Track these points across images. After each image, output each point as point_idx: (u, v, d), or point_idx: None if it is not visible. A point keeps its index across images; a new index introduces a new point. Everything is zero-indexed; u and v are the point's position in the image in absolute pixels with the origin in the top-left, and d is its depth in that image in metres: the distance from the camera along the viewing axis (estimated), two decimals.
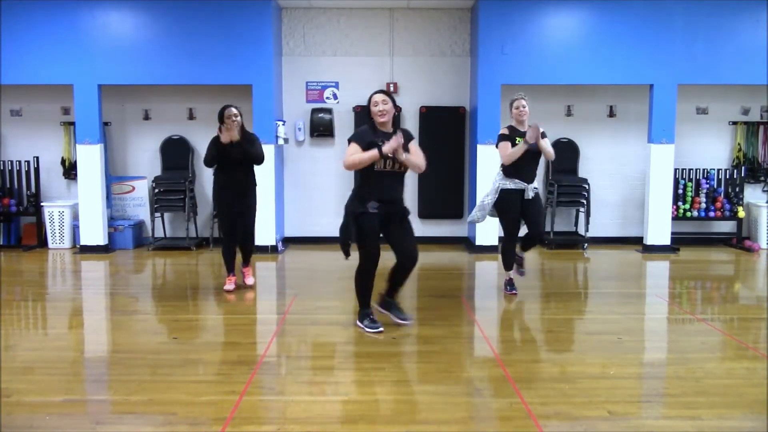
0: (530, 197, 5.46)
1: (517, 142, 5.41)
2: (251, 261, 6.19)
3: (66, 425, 3.13)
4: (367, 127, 4.53)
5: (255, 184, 5.92)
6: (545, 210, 5.59)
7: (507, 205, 5.51)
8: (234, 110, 5.62)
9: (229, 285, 5.89)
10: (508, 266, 5.74)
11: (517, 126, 5.52)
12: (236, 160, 5.68)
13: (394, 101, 4.56)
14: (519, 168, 5.44)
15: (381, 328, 4.59)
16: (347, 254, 4.50)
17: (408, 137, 4.50)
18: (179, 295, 5.89)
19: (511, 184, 5.46)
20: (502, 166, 5.53)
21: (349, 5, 8.39)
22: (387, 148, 4.27)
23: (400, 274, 4.60)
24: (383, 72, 8.55)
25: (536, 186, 5.54)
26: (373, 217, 4.42)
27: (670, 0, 7.71)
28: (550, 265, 7.22)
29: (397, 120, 4.55)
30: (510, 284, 5.78)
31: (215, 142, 5.63)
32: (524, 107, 5.47)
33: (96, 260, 7.59)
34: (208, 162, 5.76)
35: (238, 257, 6.02)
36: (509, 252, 5.68)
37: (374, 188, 4.42)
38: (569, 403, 3.36)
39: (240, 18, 7.70)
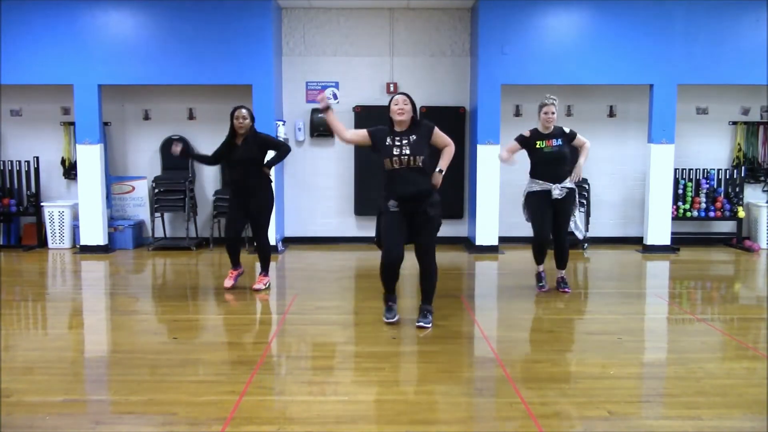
0: (557, 196, 5.52)
1: (537, 145, 5.55)
2: (268, 268, 6.02)
3: (66, 425, 3.13)
4: (385, 127, 4.66)
5: (260, 187, 5.74)
6: (575, 209, 5.74)
7: (534, 207, 5.64)
8: (244, 111, 5.64)
9: (227, 281, 5.93)
10: (538, 261, 5.85)
11: (541, 129, 5.59)
12: (235, 162, 5.68)
13: (413, 103, 4.64)
14: (541, 170, 5.58)
15: (391, 320, 4.73)
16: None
17: (428, 128, 4.63)
18: (179, 295, 5.89)
19: (537, 186, 5.60)
20: (531, 169, 5.68)
21: (349, 5, 8.39)
22: (320, 97, 4.65)
23: (421, 278, 4.82)
24: (383, 72, 8.55)
25: (565, 185, 5.56)
26: (392, 216, 4.55)
27: (670, 0, 7.71)
28: (551, 265, 7.20)
29: (421, 121, 4.70)
30: (540, 279, 5.88)
31: (226, 140, 5.68)
32: (553, 114, 5.52)
33: (96, 260, 7.59)
34: (205, 163, 5.71)
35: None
36: (535, 249, 5.80)
37: (391, 186, 4.57)
38: (569, 403, 3.36)
39: (240, 18, 7.70)
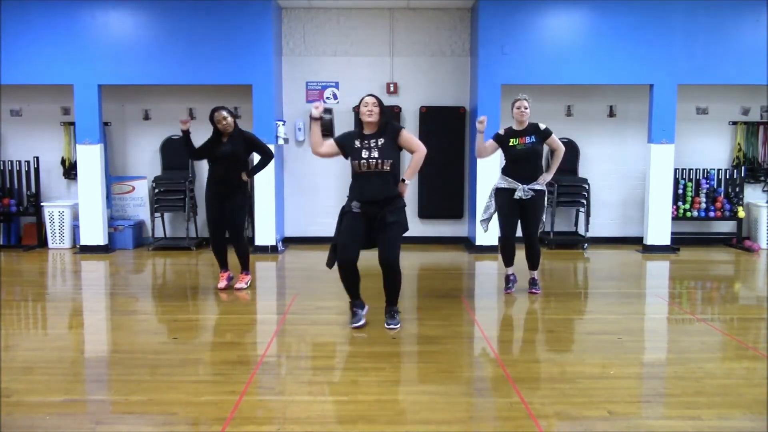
0: (521, 197, 5.48)
1: (510, 143, 5.52)
2: (250, 266, 6.04)
3: (66, 425, 3.13)
4: (354, 130, 4.75)
5: (242, 185, 5.80)
6: (543, 211, 5.69)
7: (499, 204, 5.64)
8: (224, 112, 5.62)
9: (220, 283, 5.96)
10: (505, 263, 5.83)
11: (516, 126, 5.57)
12: (218, 157, 5.67)
13: (383, 107, 4.64)
14: (513, 167, 5.58)
15: (356, 324, 4.68)
16: (330, 262, 4.74)
17: (395, 130, 4.64)
18: (179, 295, 5.90)
19: (505, 183, 5.57)
20: (503, 165, 5.69)
21: (349, 5, 8.39)
22: (314, 112, 4.67)
23: (384, 281, 4.73)
24: (383, 72, 8.55)
25: (534, 187, 5.52)
26: (354, 217, 4.58)
27: (670, 0, 7.71)
28: (550, 265, 7.21)
29: (388, 123, 4.71)
30: (507, 281, 5.82)
31: (210, 139, 5.73)
32: (525, 108, 5.51)
33: (96, 260, 7.59)
34: (188, 154, 5.86)
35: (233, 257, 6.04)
36: (504, 249, 5.80)
37: (356, 188, 4.63)
38: (569, 403, 3.36)
39: (240, 18, 7.70)
